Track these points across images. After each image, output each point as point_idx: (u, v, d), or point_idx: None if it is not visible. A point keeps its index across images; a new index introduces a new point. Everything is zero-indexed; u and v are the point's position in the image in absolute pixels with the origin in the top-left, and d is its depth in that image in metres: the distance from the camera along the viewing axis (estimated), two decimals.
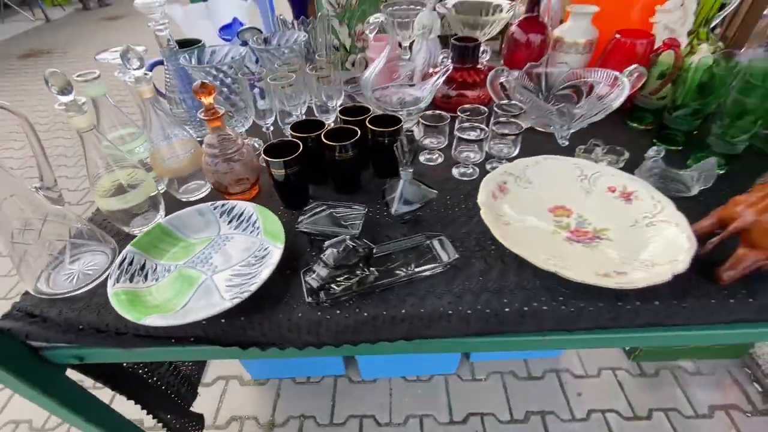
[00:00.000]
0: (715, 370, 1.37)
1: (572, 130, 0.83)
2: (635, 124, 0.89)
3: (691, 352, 1.38)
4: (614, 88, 0.80)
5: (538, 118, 0.84)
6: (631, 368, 1.39)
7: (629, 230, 0.58)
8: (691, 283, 0.54)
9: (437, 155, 0.81)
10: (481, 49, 0.94)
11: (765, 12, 1.04)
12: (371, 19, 0.74)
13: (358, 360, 1.35)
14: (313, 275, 0.51)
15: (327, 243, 0.52)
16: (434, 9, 0.97)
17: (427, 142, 0.80)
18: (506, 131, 0.74)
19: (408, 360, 1.35)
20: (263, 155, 0.63)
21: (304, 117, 0.80)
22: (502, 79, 0.81)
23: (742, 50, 1.02)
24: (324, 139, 0.65)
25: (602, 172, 0.65)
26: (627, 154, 0.75)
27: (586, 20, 0.94)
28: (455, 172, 0.77)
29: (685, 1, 0.89)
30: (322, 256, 0.52)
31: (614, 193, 0.63)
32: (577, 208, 0.63)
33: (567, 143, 0.83)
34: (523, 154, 0.73)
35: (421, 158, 0.81)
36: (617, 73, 0.81)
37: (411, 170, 0.61)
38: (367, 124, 0.69)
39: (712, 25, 1.04)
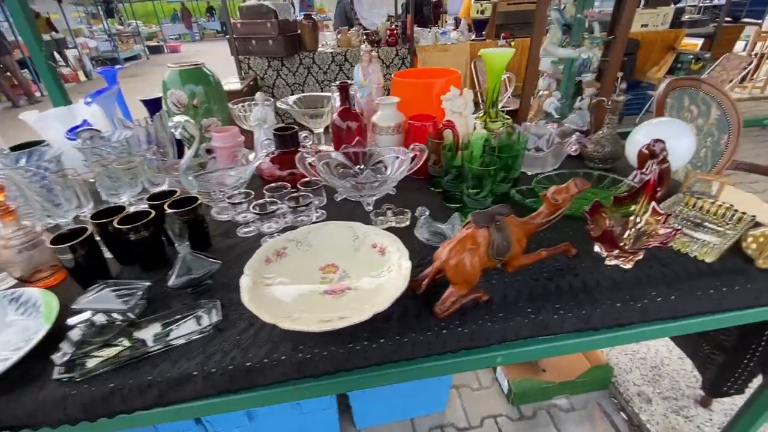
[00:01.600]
0: (587, 403, 1.45)
1: (375, 197, 0.97)
2: (433, 189, 1.05)
3: (562, 389, 1.46)
4: (404, 163, 0.96)
5: (344, 191, 0.97)
6: (511, 413, 1.43)
7: (374, 279, 0.68)
8: (418, 320, 0.63)
9: (253, 228, 0.90)
10: (303, 134, 1.09)
11: (539, 93, 1.32)
12: (174, 119, 0.86)
13: None
14: (59, 353, 0.55)
15: (72, 321, 0.56)
16: (265, 105, 1.13)
17: (240, 218, 0.90)
18: (310, 202, 0.85)
19: None
20: (48, 244, 0.69)
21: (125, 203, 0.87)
22: (309, 160, 0.95)
23: (525, 123, 1.27)
24: (116, 224, 0.72)
25: (369, 232, 0.77)
26: (409, 214, 0.90)
27: (392, 108, 1.14)
28: (263, 241, 0.85)
29: (462, 91, 1.12)
30: (68, 333, 0.56)
31: (376, 248, 0.74)
32: (343, 265, 0.73)
33: (372, 208, 0.96)
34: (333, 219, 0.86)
35: (239, 232, 0.90)
36: (404, 149, 0.98)
37: (186, 244, 0.69)
38: (165, 207, 0.77)
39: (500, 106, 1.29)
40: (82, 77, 8.87)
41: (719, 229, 0.84)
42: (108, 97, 1.08)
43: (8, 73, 6.53)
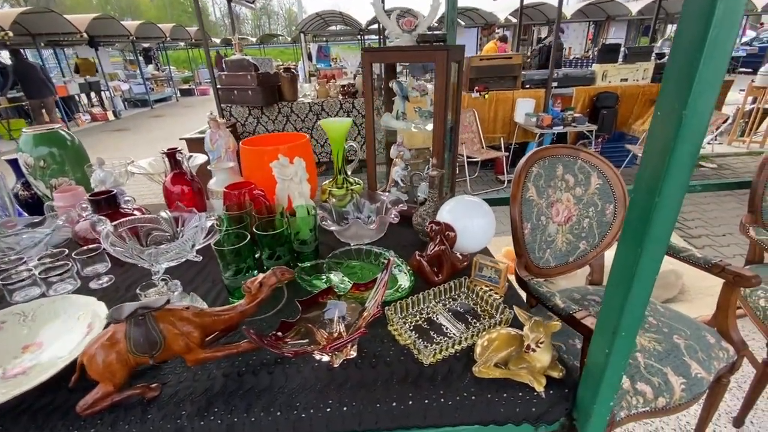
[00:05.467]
0: None
1: (164, 266, 0.97)
2: None
3: None
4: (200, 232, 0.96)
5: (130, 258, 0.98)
6: None
7: (58, 362, 0.66)
8: (64, 416, 0.60)
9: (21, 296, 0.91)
10: (126, 198, 1.12)
11: (394, 162, 1.31)
12: None
13: None
14: None
15: None
16: (104, 168, 1.18)
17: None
18: (66, 271, 0.86)
19: None
20: None
21: None
22: (100, 228, 0.96)
23: (366, 191, 1.25)
24: None
25: (98, 310, 0.76)
26: (177, 286, 0.88)
27: (225, 174, 1.16)
28: None
29: (294, 160, 1.13)
30: None
31: (88, 327, 0.73)
32: (49, 345, 0.72)
33: (160, 276, 0.95)
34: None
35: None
36: (205, 217, 0.99)
37: None
38: None
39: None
40: (111, 117, 9.64)
41: (482, 322, 0.77)
42: None
43: (44, 110, 7.19)
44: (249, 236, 0.82)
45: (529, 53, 5.46)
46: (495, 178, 4.29)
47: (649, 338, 1.14)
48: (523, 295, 1.08)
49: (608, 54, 4.36)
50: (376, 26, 9.88)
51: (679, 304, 2.14)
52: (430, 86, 1.28)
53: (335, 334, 0.71)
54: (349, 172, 1.26)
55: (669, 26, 13.64)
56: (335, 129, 1.18)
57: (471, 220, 0.92)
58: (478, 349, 0.67)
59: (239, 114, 4.11)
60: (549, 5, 10.01)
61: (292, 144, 1.23)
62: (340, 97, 4.19)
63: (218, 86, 4.00)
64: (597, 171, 1.40)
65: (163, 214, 1.04)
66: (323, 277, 0.89)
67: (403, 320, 0.76)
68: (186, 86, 14.66)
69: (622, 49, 4.43)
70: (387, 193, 1.16)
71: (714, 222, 3.24)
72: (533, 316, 0.63)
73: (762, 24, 13.20)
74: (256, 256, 0.91)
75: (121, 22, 9.96)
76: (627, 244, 0.47)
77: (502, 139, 4.21)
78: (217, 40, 16.53)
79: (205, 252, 0.89)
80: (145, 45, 13.89)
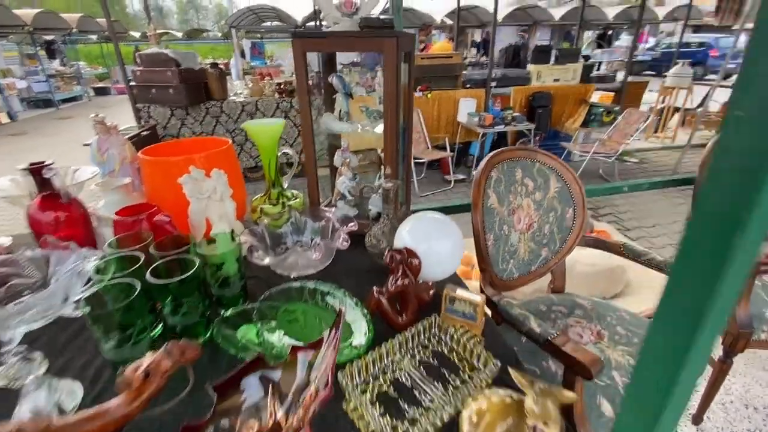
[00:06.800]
0: None
1: (24, 329, 0.69)
2: None
3: None
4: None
5: None
6: None
7: None
8: None
9: None
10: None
11: (340, 171, 1.13)
12: None
13: None
14: None
15: None
16: None
17: None
18: None
19: None
20: None
21: None
22: None
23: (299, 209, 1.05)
24: None
25: None
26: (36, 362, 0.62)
27: (117, 194, 0.90)
28: None
29: (211, 173, 0.89)
30: None
31: None
32: None
33: (13, 349, 0.68)
34: None
35: None
36: (83, 254, 0.72)
37: None
38: None
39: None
40: (5, 119, 8.27)
41: (460, 377, 0.61)
42: None
43: None
44: (138, 286, 0.58)
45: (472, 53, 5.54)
46: (441, 178, 4.25)
47: (621, 352, 1.07)
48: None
49: (541, 55, 4.52)
50: (313, 24, 9.52)
51: (626, 298, 2.19)
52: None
53: (270, 424, 0.50)
54: (285, 185, 1.05)
55: (586, 32, 14.83)
56: (264, 133, 0.96)
57: (437, 242, 0.76)
58: (465, 427, 0.50)
59: (159, 115, 3.63)
60: (481, 9, 10.38)
61: (208, 152, 0.98)
62: (276, 95, 3.88)
63: (132, 83, 3.50)
64: (554, 173, 1.32)
65: (27, 252, 0.76)
66: (254, 329, 0.68)
67: (363, 387, 0.57)
68: (101, 84, 13.12)
69: (553, 51, 4.61)
70: (333, 209, 0.97)
71: (642, 214, 3.45)
72: (535, 380, 0.48)
73: (662, 32, 14.95)
74: (164, 310, 0.67)
75: (14, 11, 8.58)
76: (668, 321, 0.33)
77: (447, 138, 4.17)
78: (137, 34, 14.96)
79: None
80: (48, 37, 12.17)
